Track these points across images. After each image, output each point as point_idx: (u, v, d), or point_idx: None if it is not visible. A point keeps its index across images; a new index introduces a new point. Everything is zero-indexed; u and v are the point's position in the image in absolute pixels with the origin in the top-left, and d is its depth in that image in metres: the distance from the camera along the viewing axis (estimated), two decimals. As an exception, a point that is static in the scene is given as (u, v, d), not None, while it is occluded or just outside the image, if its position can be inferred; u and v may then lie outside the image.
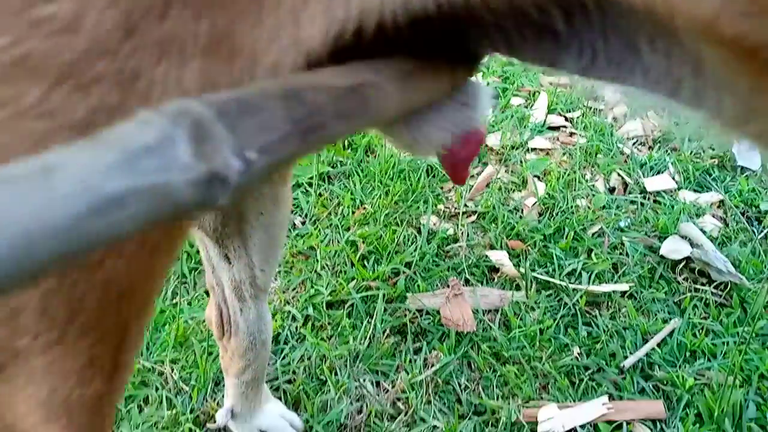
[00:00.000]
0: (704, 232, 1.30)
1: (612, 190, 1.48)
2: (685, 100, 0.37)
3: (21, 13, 0.25)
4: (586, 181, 1.49)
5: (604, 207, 1.41)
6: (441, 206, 1.43)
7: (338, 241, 1.30)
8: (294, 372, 1.05)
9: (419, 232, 1.34)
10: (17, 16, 0.25)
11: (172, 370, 1.03)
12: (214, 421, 0.95)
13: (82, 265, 0.29)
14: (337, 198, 1.42)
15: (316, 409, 0.98)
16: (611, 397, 1.00)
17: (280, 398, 1.00)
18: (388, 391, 1.02)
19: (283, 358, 1.07)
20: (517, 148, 1.60)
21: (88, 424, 0.37)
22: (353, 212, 1.38)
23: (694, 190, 1.46)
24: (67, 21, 0.25)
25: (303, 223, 1.37)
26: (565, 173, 1.50)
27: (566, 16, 0.35)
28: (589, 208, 1.41)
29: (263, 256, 0.79)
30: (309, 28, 0.30)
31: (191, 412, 0.97)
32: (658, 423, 0.97)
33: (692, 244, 1.26)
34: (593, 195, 1.45)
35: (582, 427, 0.96)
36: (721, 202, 1.42)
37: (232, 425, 0.94)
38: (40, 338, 0.31)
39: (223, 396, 0.96)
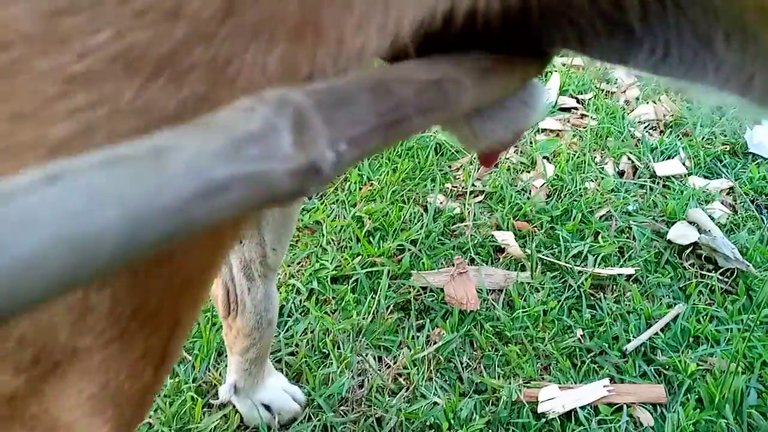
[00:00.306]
0: (713, 219, 1.29)
1: (621, 174, 1.46)
2: (756, 97, 0.36)
3: (125, 3, 0.24)
4: (596, 163, 1.48)
5: (612, 190, 1.40)
6: (448, 185, 1.42)
7: (344, 217, 1.30)
8: (297, 345, 1.05)
9: (426, 210, 1.33)
10: (121, 5, 0.24)
11: (176, 339, 1.04)
12: (218, 397, 0.96)
13: (154, 260, 0.29)
14: (345, 174, 1.41)
15: (318, 382, 0.99)
16: (612, 380, 1.01)
17: (282, 370, 1.00)
18: (390, 366, 1.03)
19: (287, 330, 1.07)
20: (526, 129, 1.58)
21: (131, 414, 0.37)
22: (360, 188, 1.38)
23: (704, 176, 1.45)
24: (169, 6, 0.24)
25: (310, 198, 1.37)
26: (574, 155, 1.49)
27: (642, 11, 0.34)
28: (597, 191, 1.40)
29: (276, 236, 0.79)
30: (399, 14, 0.29)
31: (193, 381, 0.98)
32: (658, 407, 0.97)
33: (700, 230, 1.25)
34: (602, 178, 1.43)
35: (582, 408, 0.96)
36: (731, 188, 1.41)
37: (234, 400, 0.95)
38: (103, 336, 0.31)
39: (225, 366, 0.97)
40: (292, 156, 0.21)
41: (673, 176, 1.44)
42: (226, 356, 0.97)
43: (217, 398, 0.94)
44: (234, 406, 0.94)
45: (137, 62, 0.24)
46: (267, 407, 0.93)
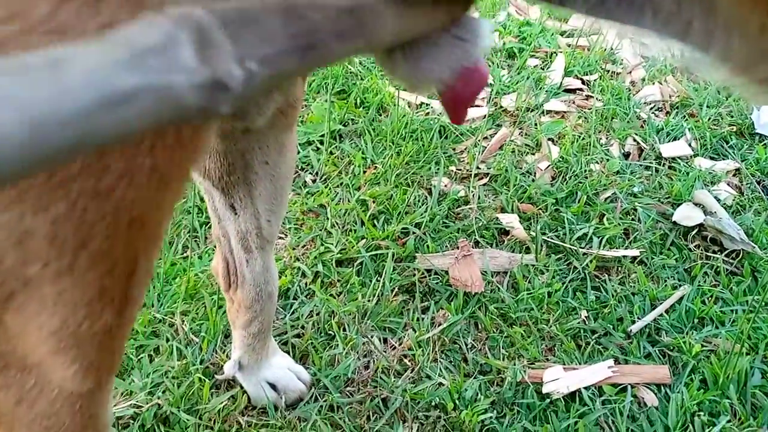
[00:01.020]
0: (719, 200, 1.29)
1: (627, 155, 1.46)
2: (695, 42, 0.36)
3: None
4: (601, 145, 1.47)
5: (618, 172, 1.39)
6: (453, 168, 1.42)
7: (348, 200, 1.30)
8: (303, 327, 1.06)
9: (430, 193, 1.33)
10: None
11: (183, 321, 1.05)
12: (223, 373, 0.97)
13: (92, 192, 0.29)
14: (348, 156, 1.41)
15: (324, 363, 1.00)
16: (617, 361, 1.01)
17: (288, 352, 1.01)
18: (395, 347, 1.03)
19: (293, 313, 1.08)
20: (532, 111, 1.57)
21: (96, 357, 0.38)
22: (364, 171, 1.38)
23: (711, 158, 1.44)
24: None
25: (314, 181, 1.37)
26: (579, 137, 1.48)
27: None
28: (602, 172, 1.39)
29: (269, 206, 0.79)
30: None
31: (201, 362, 0.99)
32: (662, 387, 0.97)
33: (706, 212, 1.25)
34: (607, 160, 1.43)
35: (587, 388, 0.96)
36: (737, 170, 1.40)
37: (239, 376, 0.95)
38: (50, 265, 0.32)
39: (231, 348, 0.97)
40: (194, 69, 0.21)
41: (678, 157, 1.43)
42: (231, 339, 0.97)
43: (223, 375, 0.95)
44: (241, 387, 0.95)
45: None
46: (273, 386, 0.94)
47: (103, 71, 0.18)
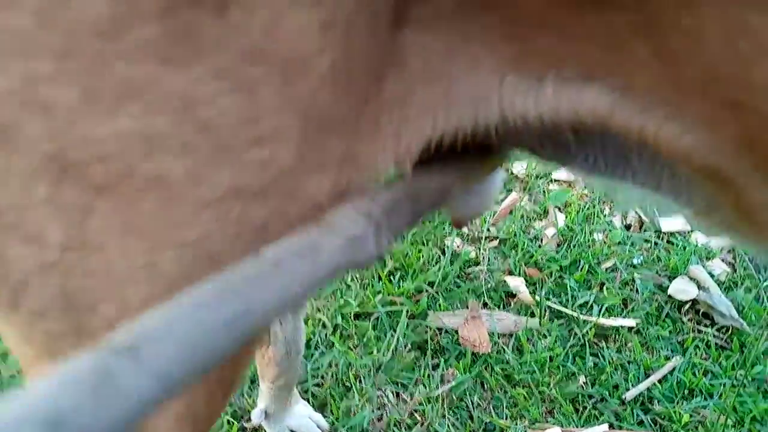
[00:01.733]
0: (712, 276, 1.38)
1: (628, 227, 1.55)
2: (664, 194, 0.47)
3: None
4: (604, 216, 1.57)
5: (619, 243, 1.49)
6: (465, 229, 1.52)
7: (368, 256, 1.39)
8: (322, 377, 1.14)
9: (443, 252, 1.43)
10: None
11: (212, 365, 1.13)
12: (250, 420, 1.05)
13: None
14: (369, 214, 1.51)
15: (341, 413, 1.08)
16: (611, 426, 1.09)
17: (308, 400, 1.10)
18: (406, 402, 1.12)
19: (314, 362, 1.17)
20: (541, 178, 1.68)
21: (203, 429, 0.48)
22: (383, 229, 1.47)
23: (706, 234, 1.54)
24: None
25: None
26: (584, 206, 1.59)
27: (576, 135, 0.45)
28: (605, 242, 1.49)
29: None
30: (404, 144, 0.40)
31: (230, 406, 1.07)
32: (652, 453, 1.05)
33: (699, 287, 1.34)
34: (610, 230, 1.53)
35: (582, 451, 1.05)
36: (732, 247, 1.50)
37: (265, 424, 1.04)
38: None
39: (257, 393, 1.06)
40: (372, 252, 0.36)
41: (677, 232, 1.53)
42: (258, 385, 1.06)
43: (250, 422, 1.03)
44: (265, 430, 1.03)
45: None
46: (294, 434, 1.02)
47: (335, 255, 0.31)
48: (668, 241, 1.51)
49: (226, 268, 0.29)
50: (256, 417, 1.03)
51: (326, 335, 1.22)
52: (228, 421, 1.04)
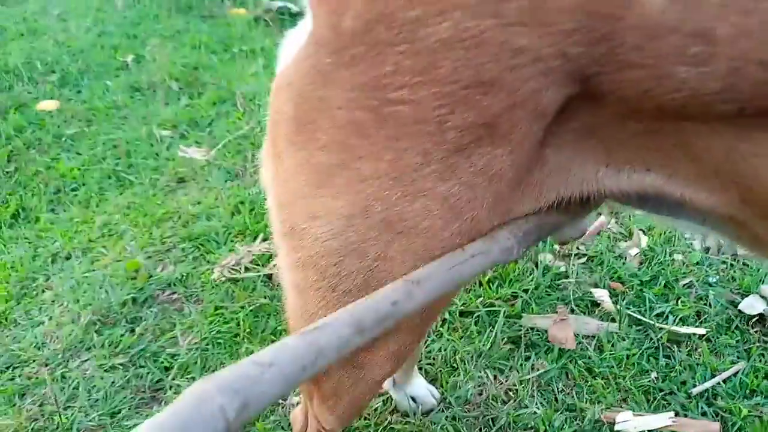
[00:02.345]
0: (783, 295, 1.54)
1: (707, 250, 1.73)
2: (707, 230, 0.74)
3: None
4: (685, 239, 1.76)
5: (697, 263, 1.67)
6: (557, 247, 1.76)
7: (472, 266, 1.67)
8: (434, 359, 1.43)
9: (536, 266, 1.68)
10: None
11: (349, 345, 1.45)
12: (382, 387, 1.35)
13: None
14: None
15: (449, 386, 1.36)
16: (677, 414, 1.29)
17: (423, 375, 1.38)
18: (502, 383, 1.38)
19: (427, 347, 1.46)
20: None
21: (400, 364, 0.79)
22: (485, 244, 1.75)
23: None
24: None
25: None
26: (666, 230, 1.78)
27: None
28: (684, 262, 1.68)
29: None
30: (541, 202, 0.70)
31: (363, 375, 1.38)
32: (712, 438, 1.25)
33: (769, 304, 1.51)
34: (690, 252, 1.71)
35: (650, 431, 1.26)
36: (807, 271, 1.64)
37: (391, 391, 1.34)
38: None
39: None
40: (514, 256, 0.65)
41: (753, 256, 1.69)
42: (385, 360, 1.36)
43: (382, 388, 1.34)
44: (390, 395, 1.33)
45: None
46: (413, 398, 1.31)
47: (495, 255, 0.60)
48: (744, 264, 1.67)
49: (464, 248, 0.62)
50: (385, 385, 1.33)
51: (437, 326, 1.51)
52: (363, 386, 1.35)
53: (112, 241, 1.88)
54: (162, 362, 1.46)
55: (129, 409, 1.36)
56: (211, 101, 2.65)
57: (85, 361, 1.48)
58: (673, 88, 0.57)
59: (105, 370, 1.45)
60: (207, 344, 1.50)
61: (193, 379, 1.41)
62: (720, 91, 0.56)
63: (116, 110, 2.65)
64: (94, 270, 1.75)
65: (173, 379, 1.42)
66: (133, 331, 1.56)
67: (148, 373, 1.44)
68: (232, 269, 1.72)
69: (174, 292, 1.69)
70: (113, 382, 1.42)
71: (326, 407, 0.85)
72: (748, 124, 0.59)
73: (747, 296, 1.55)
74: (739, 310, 1.51)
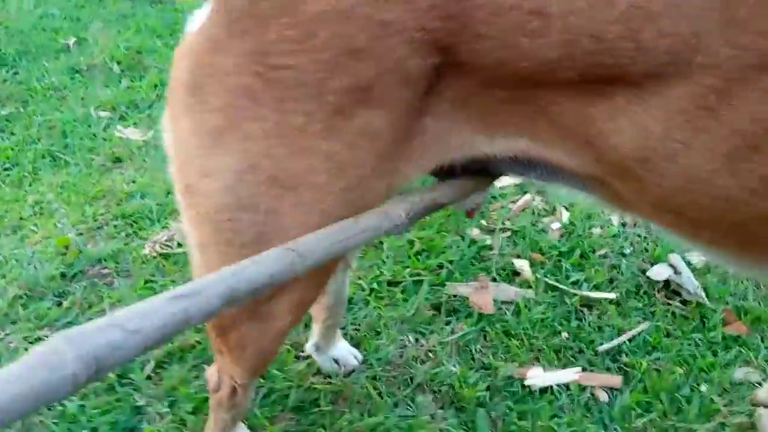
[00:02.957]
0: (689, 263, 1.64)
1: (624, 224, 1.83)
2: (580, 192, 0.81)
3: None
4: (605, 215, 1.85)
5: (614, 236, 1.77)
6: (484, 222, 1.83)
7: (401, 239, 1.73)
8: (359, 324, 1.48)
9: (463, 239, 1.75)
10: None
11: (276, 312, 1.49)
12: (303, 350, 1.40)
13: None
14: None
15: (372, 349, 1.41)
16: (584, 369, 1.38)
17: (348, 340, 1.43)
18: (423, 345, 1.44)
19: (353, 314, 1.50)
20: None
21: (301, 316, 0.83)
22: (414, 219, 1.81)
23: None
24: None
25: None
26: (588, 206, 1.87)
27: (517, 163, 0.79)
28: (601, 235, 1.77)
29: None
30: (424, 166, 0.75)
31: (289, 341, 1.42)
32: (614, 391, 1.33)
33: (675, 271, 1.61)
34: (608, 226, 1.81)
35: (558, 385, 1.34)
36: (712, 242, 1.75)
37: (314, 354, 1.38)
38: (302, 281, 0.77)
39: (310, 333, 1.40)
40: (401, 229, 0.71)
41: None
42: (311, 327, 1.40)
43: (304, 352, 1.38)
44: (314, 358, 1.37)
45: None
46: (336, 361, 1.36)
47: (384, 228, 0.65)
48: (657, 236, 1.77)
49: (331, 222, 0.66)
50: (309, 347, 1.38)
51: (364, 296, 1.56)
52: (288, 350, 1.39)
53: (44, 219, 1.87)
54: (90, 332, 1.47)
55: (54, 377, 1.37)
56: (153, 84, 2.64)
57: (9, 334, 1.48)
58: (520, 57, 0.66)
59: (30, 342, 1.45)
60: (136, 315, 1.51)
61: (121, 347, 1.42)
62: (558, 59, 0.65)
63: (54, 91, 2.62)
64: (23, 247, 1.74)
65: (100, 347, 1.43)
66: (60, 304, 1.56)
67: (74, 342, 1.44)
68: (164, 245, 1.74)
69: (104, 267, 1.69)
70: (39, 352, 1.42)
71: (233, 359, 0.89)
72: (592, 91, 0.67)
73: (656, 264, 1.64)
74: (648, 277, 1.61)
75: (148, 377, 1.37)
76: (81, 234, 1.80)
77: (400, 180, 0.76)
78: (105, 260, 1.71)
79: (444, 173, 0.83)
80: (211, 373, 1.05)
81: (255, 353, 0.87)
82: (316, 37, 0.64)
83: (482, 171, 0.85)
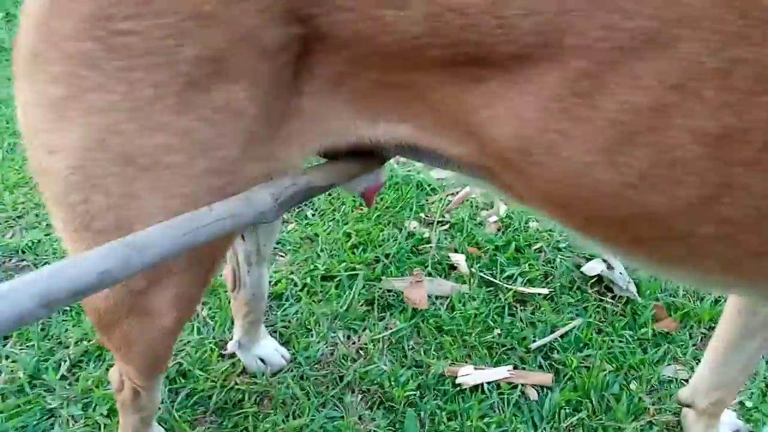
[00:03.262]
0: (623, 259, 1.65)
1: (561, 218, 1.83)
2: (468, 177, 0.77)
3: None
4: (543, 208, 1.85)
5: (550, 230, 1.77)
6: (423, 214, 1.80)
7: (337, 232, 1.69)
8: (289, 321, 1.43)
9: (401, 232, 1.71)
10: None
11: (202, 309, 1.43)
12: (226, 349, 1.34)
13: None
14: (342, 198, 1.80)
15: (301, 347, 1.37)
16: (515, 367, 1.37)
17: (276, 337, 1.39)
18: (355, 342, 1.40)
19: (284, 311, 1.46)
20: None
21: (188, 311, 0.77)
22: (352, 210, 1.77)
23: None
24: None
25: (312, 215, 1.76)
26: (526, 199, 1.87)
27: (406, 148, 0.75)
28: (537, 229, 1.77)
29: (266, 236, 1.17)
30: (302, 151, 0.70)
31: (213, 338, 1.37)
32: (544, 388, 1.33)
33: (609, 266, 1.61)
34: (545, 220, 1.80)
35: (488, 383, 1.32)
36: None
37: (238, 353, 1.33)
38: (193, 270, 0.71)
39: (234, 332, 1.35)
40: (271, 218, 0.63)
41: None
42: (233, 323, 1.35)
43: (227, 350, 1.33)
44: (238, 357, 1.32)
45: None
46: (262, 360, 1.31)
47: (247, 218, 0.59)
48: (592, 230, 1.78)
49: (198, 208, 0.60)
50: (231, 346, 1.33)
51: (296, 291, 1.51)
52: (211, 348, 1.33)
53: (-42, 207, 1.75)
54: None
55: (-42, 378, 1.28)
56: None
57: None
58: (382, 31, 0.61)
59: (-66, 340, 1.36)
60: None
61: (33, 347, 1.34)
62: (423, 35, 0.60)
63: (-24, 71, 2.46)
64: (-68, 236, 1.63)
65: (11, 347, 1.35)
66: (-30, 298, 1.46)
67: (-17, 341, 1.36)
68: (88, 235, 1.65)
69: (23, 260, 1.60)
70: (-58, 352, 1.33)
71: (121, 358, 0.83)
72: (467, 76, 0.63)
73: (591, 260, 1.65)
74: (582, 272, 1.61)
75: (62, 377, 1.30)
76: (-3, 224, 1.69)
77: (280, 165, 0.70)
78: (23, 251, 1.61)
79: (334, 158, 0.79)
80: (113, 372, 1.00)
81: (143, 352, 0.81)
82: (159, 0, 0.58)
83: (370, 153, 0.79)
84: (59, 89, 0.60)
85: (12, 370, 1.30)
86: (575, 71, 0.57)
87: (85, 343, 1.36)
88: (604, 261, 1.64)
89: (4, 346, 1.35)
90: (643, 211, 0.62)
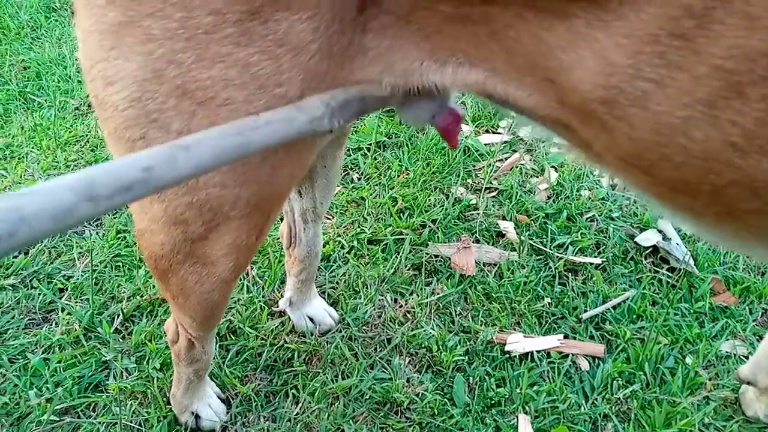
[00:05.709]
0: (678, 230, 1.60)
1: (613, 187, 1.78)
2: (542, 130, 0.73)
3: None
4: (594, 176, 1.80)
5: (602, 199, 1.71)
6: (470, 180, 1.77)
7: (383, 196, 1.67)
8: (337, 282, 1.43)
9: (448, 198, 1.69)
10: None
11: (252, 268, 1.44)
12: (278, 306, 1.35)
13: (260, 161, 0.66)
14: (388, 162, 1.78)
15: (349, 308, 1.37)
16: (566, 336, 1.34)
17: (325, 298, 1.39)
18: (402, 306, 1.39)
19: (331, 272, 1.45)
20: (543, 142, 1.91)
21: (241, 262, 0.76)
22: (398, 175, 1.74)
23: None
24: None
25: (359, 179, 1.75)
26: (577, 167, 1.81)
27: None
28: (589, 198, 1.72)
29: (322, 193, 1.16)
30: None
31: (262, 297, 1.37)
32: (596, 359, 1.30)
33: (664, 237, 1.56)
34: (597, 188, 1.75)
35: (538, 351, 1.30)
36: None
37: (288, 310, 1.33)
38: (239, 211, 0.69)
39: (285, 290, 1.35)
40: (325, 127, 0.61)
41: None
42: (285, 283, 1.35)
43: (278, 307, 1.33)
44: (288, 316, 1.33)
45: None
46: (311, 319, 1.31)
47: (302, 125, 0.57)
48: (647, 200, 1.72)
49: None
50: (282, 303, 1.33)
51: (344, 254, 1.51)
52: (261, 307, 1.34)
53: (14, 164, 1.79)
54: (56, 284, 1.42)
55: (17, 329, 1.32)
56: (131, 26, 2.52)
57: (-26, 281, 1.42)
58: None
59: (-5, 291, 1.40)
60: (105, 267, 1.46)
61: (87, 300, 1.37)
62: None
63: (29, 30, 2.50)
64: (-11, 191, 1.67)
65: (66, 300, 1.38)
66: (27, 252, 1.49)
67: (40, 294, 1.39)
68: (138, 193, 1.67)
69: (76, 216, 1.62)
70: (1, 303, 1.37)
71: (179, 307, 0.83)
72: (553, 11, 0.56)
73: (645, 230, 1.60)
74: (636, 242, 1.56)
75: (116, 331, 1.32)
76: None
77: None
78: (75, 208, 1.63)
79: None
80: (168, 323, 1.00)
81: (199, 301, 0.81)
82: None
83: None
84: (116, 13, 0.58)
85: (68, 322, 1.33)
86: (678, 7, 0.50)
87: (137, 298, 1.38)
88: (660, 232, 1.59)
89: (61, 298, 1.38)
90: (746, 178, 0.54)
